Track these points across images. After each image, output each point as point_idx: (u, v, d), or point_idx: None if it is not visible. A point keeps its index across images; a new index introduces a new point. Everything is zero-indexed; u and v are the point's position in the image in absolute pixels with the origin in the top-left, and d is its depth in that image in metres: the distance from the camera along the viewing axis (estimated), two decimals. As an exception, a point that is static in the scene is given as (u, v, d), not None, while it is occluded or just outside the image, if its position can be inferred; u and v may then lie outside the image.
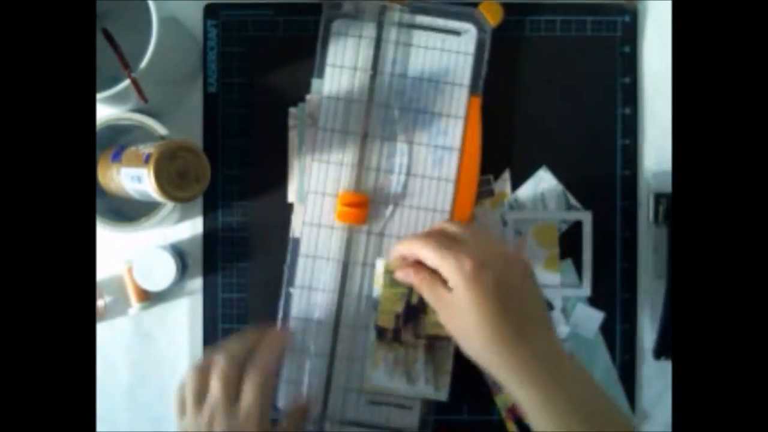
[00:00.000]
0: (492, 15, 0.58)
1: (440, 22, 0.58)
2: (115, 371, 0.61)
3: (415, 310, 0.57)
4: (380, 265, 0.57)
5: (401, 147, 0.58)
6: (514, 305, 0.49)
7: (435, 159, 0.58)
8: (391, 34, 0.58)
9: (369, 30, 0.58)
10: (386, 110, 0.58)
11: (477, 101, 0.58)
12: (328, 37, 0.58)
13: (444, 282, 0.51)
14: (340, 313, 0.58)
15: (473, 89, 0.58)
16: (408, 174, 0.58)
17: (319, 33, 0.58)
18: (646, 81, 0.60)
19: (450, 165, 0.58)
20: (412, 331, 0.57)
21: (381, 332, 0.57)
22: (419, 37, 0.58)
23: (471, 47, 0.58)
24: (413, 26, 0.58)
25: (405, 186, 0.58)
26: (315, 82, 0.59)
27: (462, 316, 0.49)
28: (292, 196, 0.59)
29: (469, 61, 0.58)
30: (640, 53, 0.60)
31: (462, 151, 0.58)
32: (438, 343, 0.57)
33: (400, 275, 0.54)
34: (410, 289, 0.56)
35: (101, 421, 0.60)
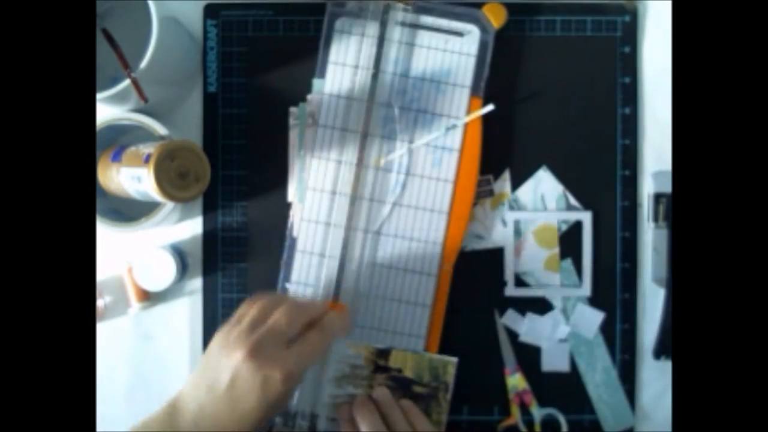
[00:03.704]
0: (495, 17, 0.58)
1: (443, 22, 0.58)
2: (115, 371, 0.61)
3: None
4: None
5: (401, 146, 0.58)
6: None
7: (434, 159, 0.58)
8: (394, 33, 0.58)
9: (372, 29, 0.58)
10: (387, 109, 0.58)
11: (478, 103, 0.58)
12: (331, 35, 0.58)
13: None
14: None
15: (474, 90, 0.58)
16: (407, 173, 0.58)
17: (322, 31, 0.58)
18: (646, 81, 0.60)
19: (449, 166, 0.58)
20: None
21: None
22: (422, 37, 0.58)
23: (473, 48, 0.58)
24: (416, 26, 0.58)
25: (404, 185, 0.58)
26: (316, 82, 0.59)
27: None
28: (291, 196, 0.59)
29: (471, 62, 0.58)
30: (640, 53, 0.60)
31: (462, 152, 0.58)
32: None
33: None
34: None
35: (101, 421, 0.60)
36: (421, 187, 0.58)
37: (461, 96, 0.58)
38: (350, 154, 0.58)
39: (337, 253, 0.58)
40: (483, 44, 0.58)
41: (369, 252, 0.58)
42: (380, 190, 0.58)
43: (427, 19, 0.58)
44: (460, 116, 0.58)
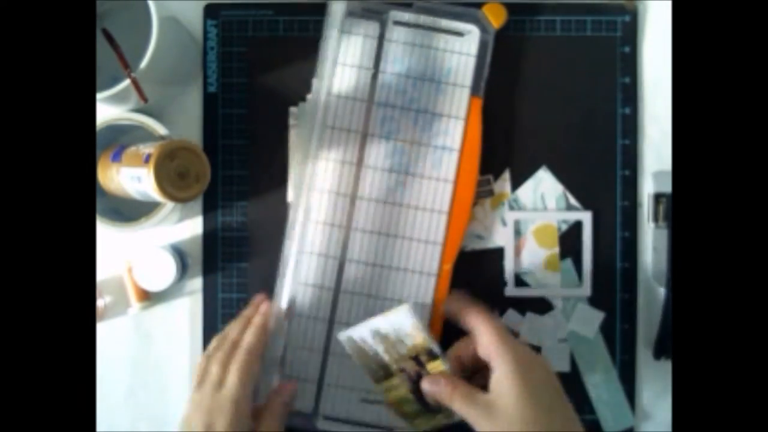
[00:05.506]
0: (495, 17, 0.58)
1: (443, 22, 0.58)
2: (115, 371, 0.61)
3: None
4: None
5: (401, 146, 0.58)
6: (558, 406, 0.48)
7: (434, 159, 0.58)
8: (394, 33, 0.58)
9: (372, 29, 0.58)
10: (387, 109, 0.58)
11: (478, 102, 0.58)
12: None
13: (478, 387, 0.50)
14: (335, 310, 0.58)
15: (474, 90, 0.58)
16: (407, 173, 0.58)
17: (323, 31, 0.58)
18: (646, 81, 0.60)
19: (449, 166, 0.58)
20: None
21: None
22: (422, 37, 0.58)
23: (473, 48, 0.58)
24: (416, 26, 0.58)
25: (403, 185, 0.58)
26: (316, 82, 0.59)
27: (506, 413, 0.47)
28: (291, 196, 0.59)
29: (471, 62, 0.58)
30: (640, 53, 0.60)
31: (461, 152, 0.58)
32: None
33: (430, 388, 0.52)
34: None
35: (101, 421, 0.60)
36: (421, 187, 0.58)
37: (461, 96, 0.58)
38: (350, 154, 0.58)
39: (337, 253, 0.58)
40: (483, 44, 0.58)
41: (369, 252, 0.58)
42: (380, 190, 0.58)
43: (427, 19, 0.58)
44: (460, 116, 0.58)
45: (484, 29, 0.58)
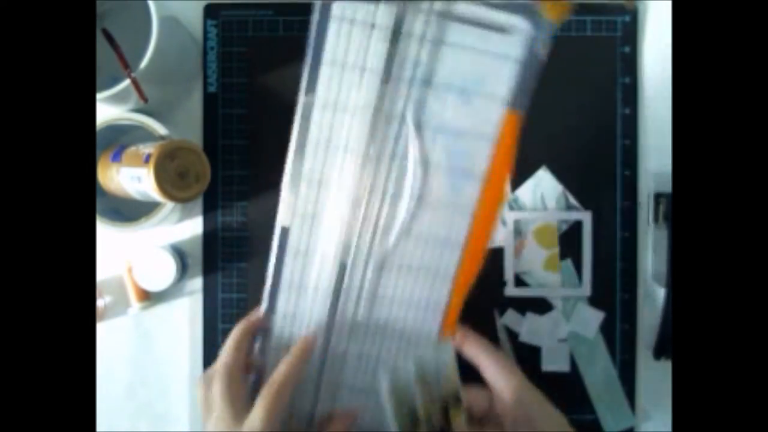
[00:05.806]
0: (556, 12, 0.45)
1: (480, 12, 0.44)
2: (115, 371, 0.61)
3: None
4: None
5: (414, 169, 0.47)
6: None
7: (453, 185, 0.47)
8: (416, 25, 0.44)
9: (385, 17, 0.44)
10: (399, 124, 0.46)
11: (514, 120, 0.46)
12: (325, 25, 0.44)
13: None
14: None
15: (512, 104, 0.46)
16: (419, 200, 0.47)
17: (313, 17, 0.44)
18: (646, 81, 0.61)
19: (470, 193, 0.47)
20: None
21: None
22: (453, 31, 0.45)
23: (518, 50, 0.45)
24: (447, 16, 0.44)
25: (414, 214, 0.48)
26: (303, 90, 0.48)
27: None
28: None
29: (513, 67, 0.45)
30: (640, 53, 0.60)
31: (487, 178, 0.47)
32: None
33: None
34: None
35: (101, 420, 0.60)
36: (434, 216, 0.48)
37: (493, 110, 0.46)
38: (350, 178, 0.47)
39: (332, 285, 0.50)
40: (532, 45, 0.45)
41: (366, 284, 0.50)
42: (387, 218, 0.48)
43: (463, 8, 0.44)
44: (488, 136, 0.46)
45: (537, 26, 0.45)
